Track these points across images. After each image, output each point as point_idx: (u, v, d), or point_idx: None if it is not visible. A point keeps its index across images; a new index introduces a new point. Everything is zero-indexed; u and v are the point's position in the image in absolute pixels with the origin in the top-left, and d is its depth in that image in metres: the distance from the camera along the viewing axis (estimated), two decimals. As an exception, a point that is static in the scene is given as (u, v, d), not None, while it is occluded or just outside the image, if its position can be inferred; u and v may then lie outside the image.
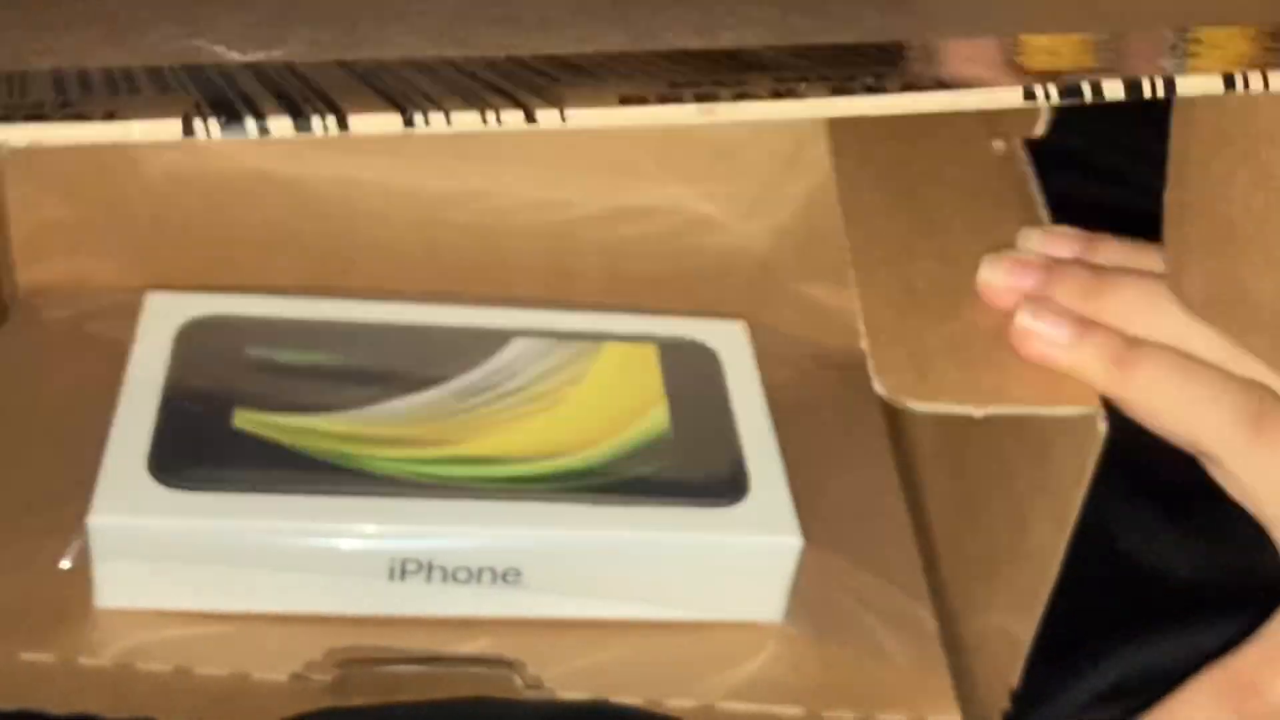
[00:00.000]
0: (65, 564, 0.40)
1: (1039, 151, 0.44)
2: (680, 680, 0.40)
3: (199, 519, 0.39)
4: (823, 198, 0.50)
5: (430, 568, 0.40)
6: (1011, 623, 0.38)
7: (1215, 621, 0.38)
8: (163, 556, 0.39)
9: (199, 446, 0.41)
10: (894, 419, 0.50)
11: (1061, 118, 0.41)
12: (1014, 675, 0.37)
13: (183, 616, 0.40)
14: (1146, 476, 0.43)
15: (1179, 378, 0.34)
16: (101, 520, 0.39)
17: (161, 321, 0.45)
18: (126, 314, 0.46)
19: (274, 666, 0.39)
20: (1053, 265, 0.36)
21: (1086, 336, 0.34)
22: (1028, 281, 0.36)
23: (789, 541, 0.41)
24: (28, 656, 0.39)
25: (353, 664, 0.39)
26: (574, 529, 0.41)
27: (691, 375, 0.47)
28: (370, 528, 0.40)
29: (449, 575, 0.40)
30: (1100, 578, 0.38)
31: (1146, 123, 0.48)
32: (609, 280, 0.51)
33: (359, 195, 0.50)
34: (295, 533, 0.40)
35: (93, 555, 0.39)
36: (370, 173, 0.50)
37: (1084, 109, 0.39)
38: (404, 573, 0.40)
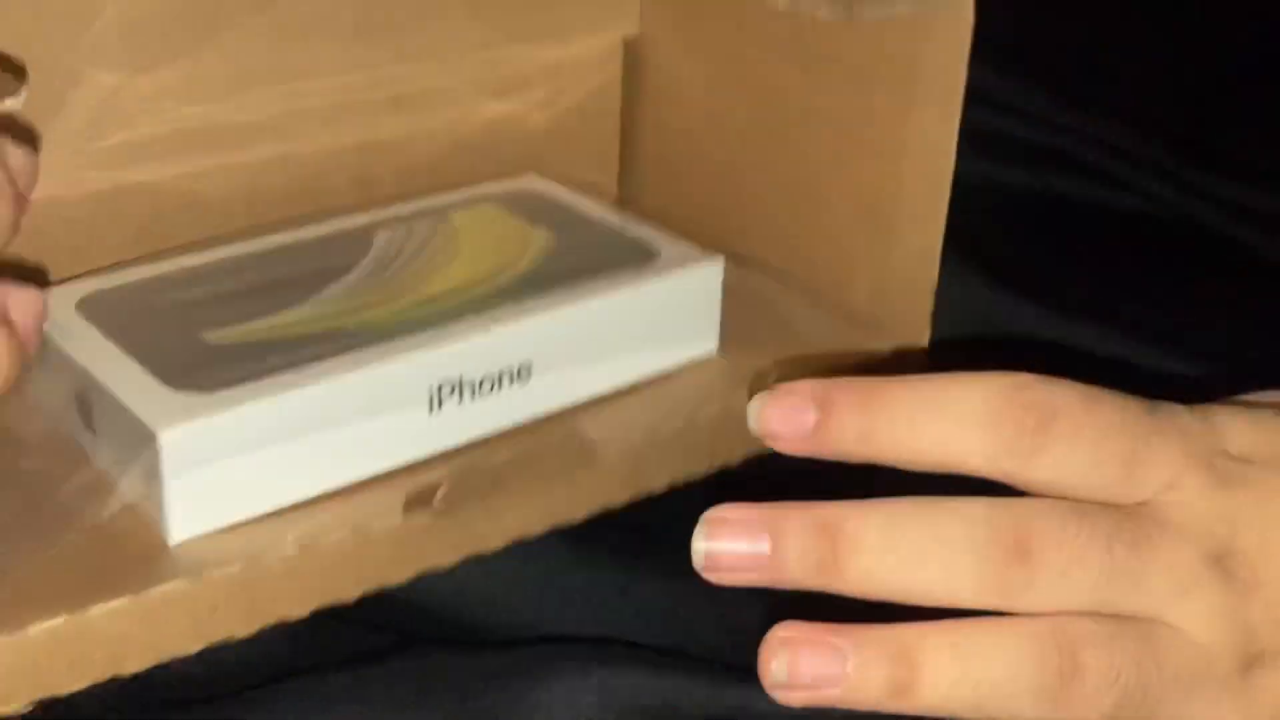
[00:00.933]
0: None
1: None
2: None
3: (257, 402, 0.39)
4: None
5: (462, 386, 0.43)
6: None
7: None
8: (229, 453, 0.39)
9: (195, 362, 0.41)
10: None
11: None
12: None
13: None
14: None
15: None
16: (171, 435, 0.38)
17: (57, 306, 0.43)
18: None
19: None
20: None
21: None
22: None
23: (713, 266, 0.48)
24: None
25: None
26: (569, 304, 0.45)
27: (542, 207, 0.51)
28: (410, 355, 0.42)
29: (477, 390, 0.43)
30: None
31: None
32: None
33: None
34: (342, 381, 0.41)
35: (163, 477, 0.38)
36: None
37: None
38: (440, 401, 0.42)
